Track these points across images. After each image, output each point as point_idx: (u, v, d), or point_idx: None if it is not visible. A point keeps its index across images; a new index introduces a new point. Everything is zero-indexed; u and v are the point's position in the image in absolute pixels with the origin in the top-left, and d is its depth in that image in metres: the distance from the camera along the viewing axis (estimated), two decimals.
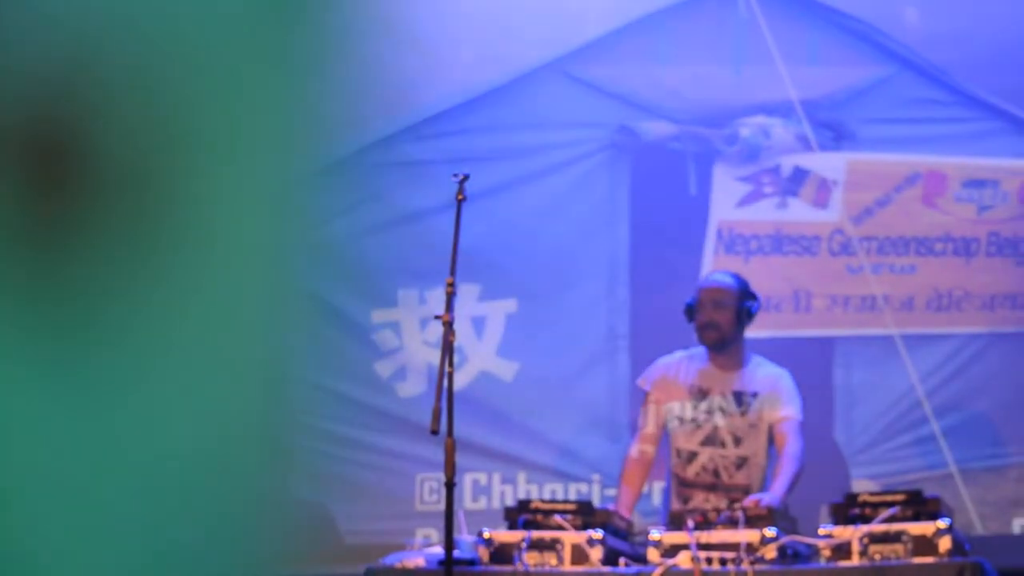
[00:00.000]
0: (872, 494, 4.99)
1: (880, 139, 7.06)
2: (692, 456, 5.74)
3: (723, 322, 5.72)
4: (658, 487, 6.42)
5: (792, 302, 7.02)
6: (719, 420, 5.73)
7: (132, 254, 1.72)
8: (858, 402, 6.96)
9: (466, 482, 6.94)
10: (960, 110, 7.01)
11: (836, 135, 7.06)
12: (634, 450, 5.85)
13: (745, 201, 7.05)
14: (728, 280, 5.81)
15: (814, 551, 4.87)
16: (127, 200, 1.69)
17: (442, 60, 7.08)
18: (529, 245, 7.11)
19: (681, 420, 5.77)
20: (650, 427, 5.83)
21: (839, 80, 7.04)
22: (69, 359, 1.74)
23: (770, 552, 4.81)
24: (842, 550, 4.81)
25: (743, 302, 5.74)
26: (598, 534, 4.99)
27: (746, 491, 5.56)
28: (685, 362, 5.84)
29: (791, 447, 5.61)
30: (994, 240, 6.91)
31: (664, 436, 5.82)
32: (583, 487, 6.97)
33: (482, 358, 7.12)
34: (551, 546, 5.00)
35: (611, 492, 6.55)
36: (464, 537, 5.18)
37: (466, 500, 6.92)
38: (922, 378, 6.87)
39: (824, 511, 5.80)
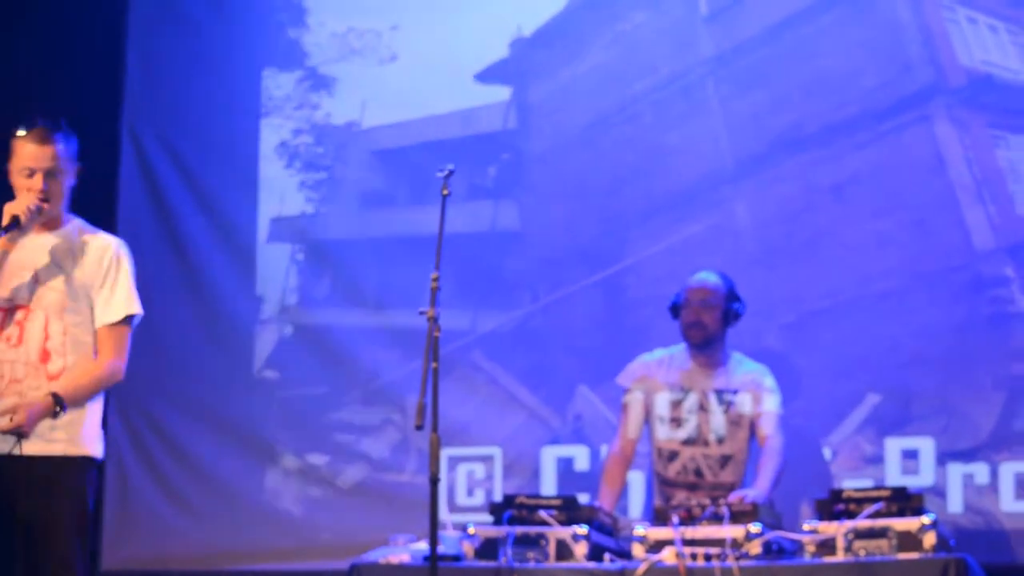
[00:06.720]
0: (857, 490, 4.98)
1: None
2: (673, 455, 5.74)
3: (709, 322, 5.73)
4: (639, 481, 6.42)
5: None
6: (701, 418, 5.73)
7: None
8: None
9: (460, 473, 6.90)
10: None
11: None
12: (614, 447, 5.85)
13: None
14: (716, 280, 5.80)
15: (799, 547, 4.87)
16: None
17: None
18: None
19: (662, 418, 5.77)
20: (630, 424, 5.83)
21: None
22: None
23: (755, 548, 4.81)
24: (827, 546, 4.81)
25: (730, 303, 5.76)
26: (583, 530, 4.98)
27: (731, 488, 5.56)
28: (666, 360, 5.84)
29: (773, 442, 5.62)
30: None
31: (645, 433, 5.82)
32: None
33: None
34: (536, 542, 4.99)
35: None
36: (449, 533, 5.17)
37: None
38: None
39: (808, 507, 5.81)
